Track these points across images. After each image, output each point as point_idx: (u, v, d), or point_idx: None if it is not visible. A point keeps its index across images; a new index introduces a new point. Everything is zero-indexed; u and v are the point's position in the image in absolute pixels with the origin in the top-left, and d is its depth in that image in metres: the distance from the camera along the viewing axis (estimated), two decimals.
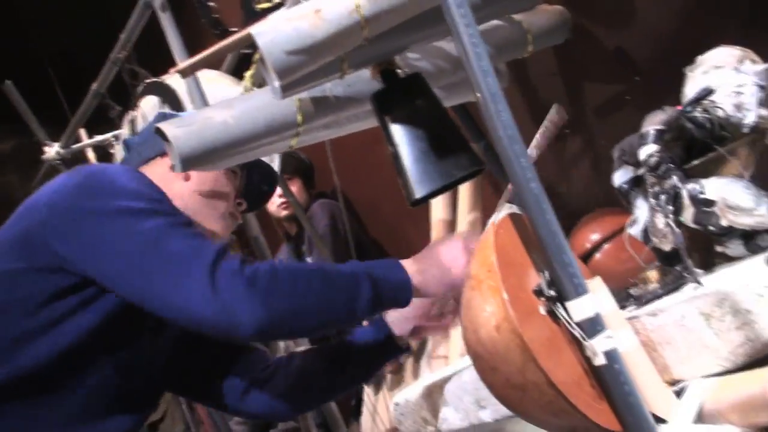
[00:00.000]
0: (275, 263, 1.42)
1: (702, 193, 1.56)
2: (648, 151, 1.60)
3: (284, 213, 3.78)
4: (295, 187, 3.75)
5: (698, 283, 1.41)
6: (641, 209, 1.67)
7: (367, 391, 2.82)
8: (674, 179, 1.57)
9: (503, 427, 1.69)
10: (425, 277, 1.51)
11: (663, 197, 1.57)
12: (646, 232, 1.65)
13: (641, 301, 1.51)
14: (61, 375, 1.46)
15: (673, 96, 1.76)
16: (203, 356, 1.75)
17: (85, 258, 1.42)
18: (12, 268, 1.46)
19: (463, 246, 1.55)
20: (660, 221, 1.57)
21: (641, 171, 1.64)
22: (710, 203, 1.55)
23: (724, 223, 1.55)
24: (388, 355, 1.78)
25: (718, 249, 1.65)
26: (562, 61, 2.48)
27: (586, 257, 2.11)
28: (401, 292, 1.48)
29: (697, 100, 1.67)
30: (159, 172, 1.65)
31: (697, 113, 1.66)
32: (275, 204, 3.70)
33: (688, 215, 1.59)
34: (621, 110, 2.34)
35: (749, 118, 1.65)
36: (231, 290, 1.35)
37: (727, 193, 1.53)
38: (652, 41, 2.23)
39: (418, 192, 1.41)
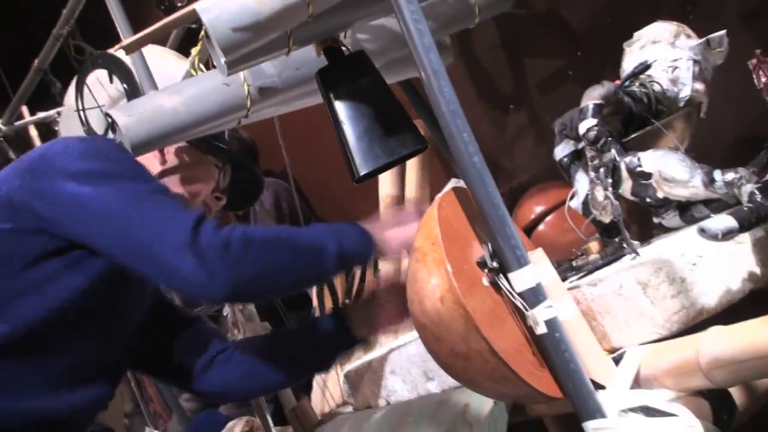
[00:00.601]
0: (247, 228, 1.45)
1: (639, 166, 1.59)
2: (587, 125, 1.62)
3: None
4: None
5: (635, 253, 1.45)
6: (581, 182, 1.70)
7: None
8: (613, 152, 1.60)
9: (450, 397, 1.72)
10: (384, 234, 1.56)
11: (602, 170, 1.61)
12: (586, 205, 1.69)
13: (582, 271, 1.54)
14: (45, 338, 1.48)
15: (614, 70, 1.80)
16: (166, 332, 1.78)
17: (68, 219, 1.45)
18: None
19: (416, 210, 1.61)
20: (599, 194, 1.61)
21: (581, 145, 1.68)
22: (647, 176, 1.59)
23: (660, 195, 1.59)
24: (344, 347, 1.81)
25: (656, 220, 1.69)
26: (504, 36, 2.50)
27: (531, 228, 2.15)
28: (365, 248, 1.53)
29: (635, 74, 1.71)
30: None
31: (635, 88, 1.70)
32: None
33: (626, 187, 1.63)
34: (564, 84, 2.38)
35: (684, 92, 1.70)
36: (209, 250, 1.38)
37: (663, 165, 1.57)
38: (593, 16, 2.26)
39: (362, 169, 1.43)
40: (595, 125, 1.61)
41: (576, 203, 1.72)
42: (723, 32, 1.74)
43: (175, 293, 1.45)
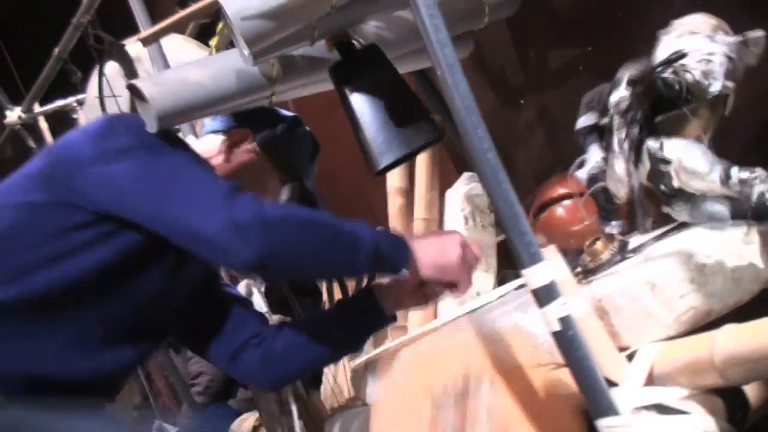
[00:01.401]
0: (289, 204, 1.44)
1: (661, 150, 1.58)
2: (619, 95, 1.61)
3: None
4: None
5: (647, 230, 1.43)
6: (593, 153, 1.69)
7: None
8: (638, 128, 1.59)
9: None
10: (422, 253, 1.54)
11: (627, 143, 1.59)
12: (592, 178, 1.67)
13: (590, 271, 1.54)
14: (71, 303, 1.49)
15: (623, 65, 1.79)
16: (207, 307, 1.77)
17: (102, 195, 1.46)
18: (31, 200, 1.49)
19: (460, 238, 1.59)
20: (619, 166, 1.59)
21: (605, 120, 1.66)
22: (667, 162, 1.57)
23: (675, 184, 1.58)
24: (375, 325, 1.80)
25: (665, 209, 1.68)
26: (516, 32, 2.49)
27: (550, 205, 2.13)
28: (400, 257, 1.51)
29: (669, 61, 1.70)
30: (212, 144, 1.68)
31: (668, 74, 1.69)
32: None
33: (643, 171, 1.61)
34: (574, 79, 2.37)
35: (714, 87, 1.68)
36: (244, 215, 1.38)
37: (685, 154, 1.56)
38: (603, 11, 2.25)
39: (382, 161, 1.43)
40: (627, 97, 1.60)
41: (581, 172, 1.71)
42: (762, 33, 1.72)
43: (207, 260, 1.44)
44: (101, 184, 1.46)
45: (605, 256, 1.59)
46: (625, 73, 1.63)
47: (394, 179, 2.74)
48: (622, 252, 1.55)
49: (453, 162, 2.75)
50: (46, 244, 1.48)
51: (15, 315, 1.47)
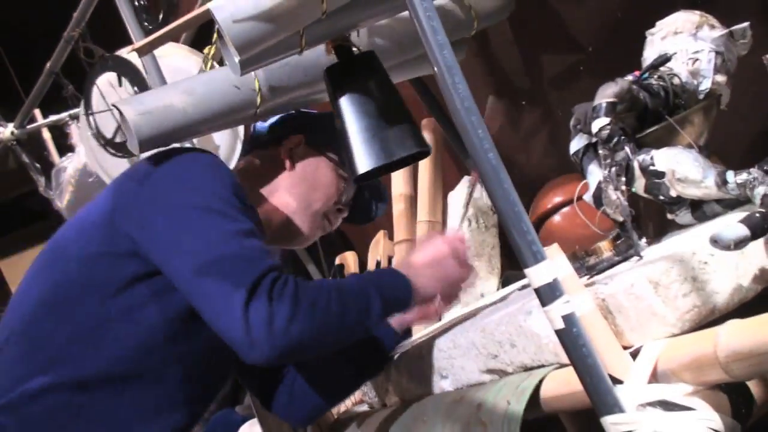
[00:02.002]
0: (297, 288, 1.43)
1: (652, 164, 1.58)
2: (599, 124, 1.61)
3: None
4: None
5: (639, 256, 1.44)
6: (594, 175, 1.69)
7: None
8: (625, 151, 1.59)
9: (464, 396, 1.72)
10: (421, 278, 1.57)
11: (614, 169, 1.60)
12: (597, 198, 1.68)
13: (594, 270, 1.54)
14: (142, 367, 1.49)
15: (626, 65, 1.79)
16: None
17: (153, 247, 1.45)
18: (94, 252, 1.49)
19: (444, 240, 1.61)
20: (612, 193, 1.60)
21: (595, 139, 1.67)
22: (660, 174, 1.57)
23: (673, 193, 1.58)
24: (391, 345, 1.83)
25: (669, 217, 1.69)
26: (517, 32, 2.50)
27: (547, 218, 2.14)
28: (405, 298, 1.55)
29: (654, 66, 1.70)
30: (268, 157, 1.71)
31: (653, 81, 1.69)
32: None
33: (639, 186, 1.62)
34: (576, 80, 2.38)
35: (704, 85, 1.68)
36: (259, 317, 1.37)
37: (676, 165, 1.56)
38: (604, 11, 2.26)
39: (361, 168, 1.45)
40: (608, 124, 1.60)
41: (587, 196, 1.71)
42: (746, 24, 1.72)
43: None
44: (152, 238, 1.46)
45: (606, 255, 1.59)
46: (603, 98, 1.63)
47: (399, 185, 2.76)
48: (627, 252, 1.56)
49: (454, 165, 2.75)
50: (113, 299, 1.47)
51: (93, 386, 1.47)
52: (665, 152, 1.59)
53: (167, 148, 1.57)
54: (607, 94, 1.65)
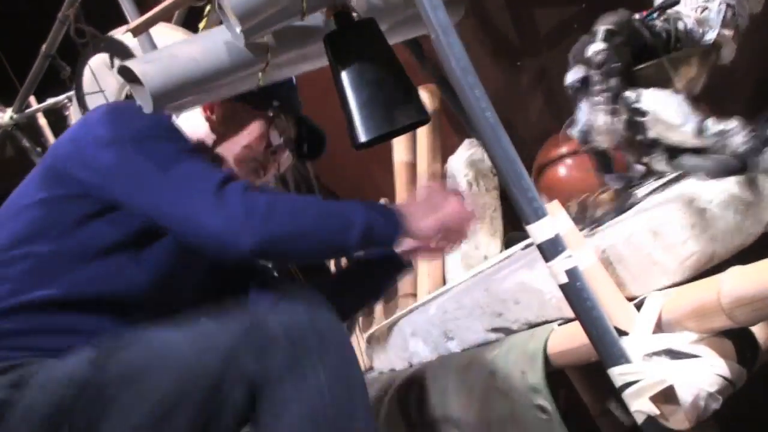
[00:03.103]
0: (276, 191, 1.47)
1: (638, 102, 1.57)
2: (594, 48, 1.60)
3: None
4: None
5: (638, 181, 1.43)
6: (583, 110, 1.67)
7: None
8: (617, 80, 1.58)
9: (472, 360, 1.74)
10: (414, 214, 1.56)
11: (605, 95, 1.58)
12: (584, 134, 1.66)
13: (594, 222, 1.55)
14: (108, 291, 1.53)
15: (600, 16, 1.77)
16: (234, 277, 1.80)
17: (104, 183, 1.50)
18: (44, 197, 1.54)
19: (443, 187, 1.62)
20: (600, 119, 1.59)
21: (590, 71, 1.65)
22: (642, 113, 1.56)
23: (651, 135, 1.57)
24: (395, 271, 1.83)
25: (644, 160, 1.68)
26: None
27: (547, 167, 2.13)
28: (393, 228, 1.53)
29: (662, 8, 1.68)
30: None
31: (658, 22, 1.67)
32: None
33: (621, 119, 1.61)
34: (569, 37, 2.35)
35: (710, 35, 1.66)
36: (236, 208, 1.41)
37: (661, 106, 1.54)
38: None
39: (362, 136, 1.44)
40: (603, 49, 1.59)
41: (574, 130, 1.70)
42: None
43: (200, 249, 1.47)
44: (104, 178, 1.50)
45: (606, 207, 1.60)
46: (602, 25, 1.62)
47: (400, 153, 2.76)
48: (628, 202, 1.56)
49: (453, 130, 2.75)
50: (68, 236, 1.52)
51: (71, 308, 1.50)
52: (652, 93, 1.58)
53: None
54: (606, 21, 1.64)
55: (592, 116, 1.60)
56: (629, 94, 1.57)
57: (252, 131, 1.72)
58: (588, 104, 1.63)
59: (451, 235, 1.60)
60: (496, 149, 1.22)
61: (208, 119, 1.69)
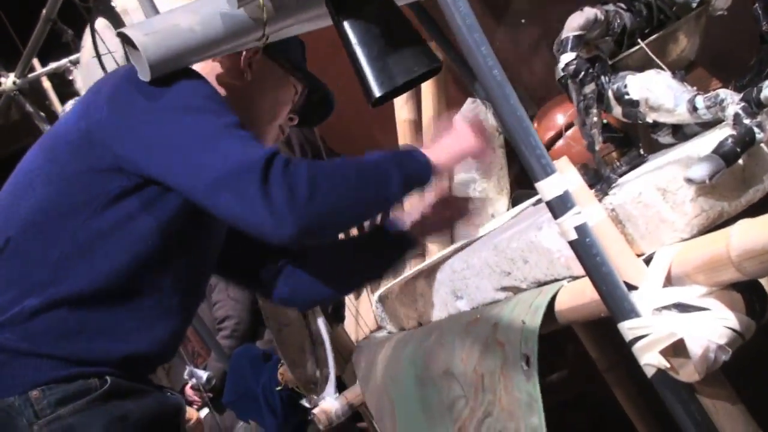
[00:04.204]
0: (313, 164, 1.44)
1: (627, 94, 1.56)
2: (566, 59, 1.59)
3: None
4: None
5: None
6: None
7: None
8: (592, 86, 1.56)
9: (479, 317, 1.75)
10: (441, 151, 1.58)
11: (582, 104, 1.58)
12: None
13: (602, 181, 1.55)
14: (136, 279, 1.49)
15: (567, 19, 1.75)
16: (238, 241, 1.75)
17: (142, 156, 1.43)
18: (73, 171, 1.46)
19: (462, 120, 1.64)
20: (582, 127, 1.59)
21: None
22: (635, 103, 1.56)
23: (649, 120, 1.57)
24: (404, 247, 1.84)
25: (653, 137, 1.69)
26: None
27: (551, 143, 2.14)
28: (425, 171, 1.54)
29: None
30: (227, 63, 1.65)
31: (636, 2, 1.65)
32: None
33: (618, 113, 1.60)
34: None
35: None
36: (280, 195, 1.37)
37: (649, 93, 1.53)
38: None
39: (378, 91, 1.43)
40: (574, 59, 1.58)
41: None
42: None
43: (243, 231, 1.45)
44: (142, 150, 1.43)
45: (614, 165, 1.60)
46: (569, 32, 1.60)
47: (403, 111, 2.75)
48: (636, 160, 1.56)
49: (459, 90, 2.74)
50: (102, 214, 1.46)
51: (91, 303, 1.46)
52: (638, 79, 1.56)
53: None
54: (572, 26, 1.61)
55: (578, 122, 1.61)
56: (617, 86, 1.56)
57: (286, 93, 1.71)
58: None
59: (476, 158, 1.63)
60: (504, 107, 1.21)
61: (241, 72, 1.65)
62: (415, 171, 1.52)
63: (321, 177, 1.42)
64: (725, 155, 1.31)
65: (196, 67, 1.54)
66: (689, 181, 1.31)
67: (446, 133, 1.63)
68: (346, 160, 1.56)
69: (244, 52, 1.65)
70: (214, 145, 1.41)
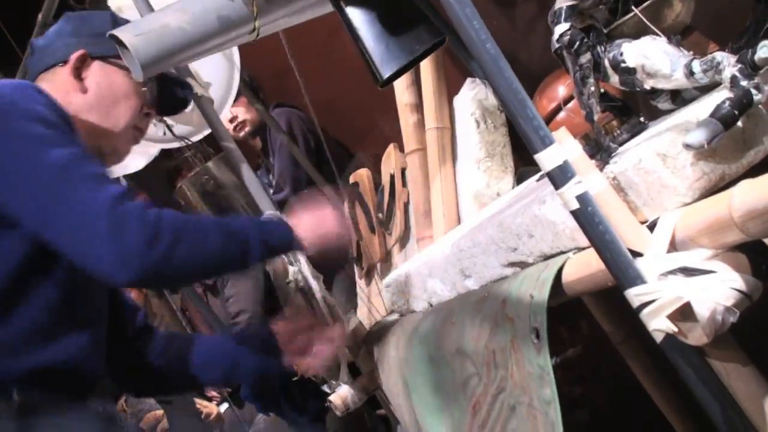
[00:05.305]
0: (172, 215, 1.43)
1: (623, 62, 1.55)
2: (560, 30, 1.58)
3: (242, 134, 3.89)
4: (242, 107, 3.83)
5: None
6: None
7: (359, 283, 2.88)
8: (588, 55, 1.56)
9: (487, 295, 1.75)
10: (302, 225, 1.64)
11: (578, 75, 1.58)
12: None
13: (603, 149, 1.54)
14: (18, 292, 1.48)
15: None
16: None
17: None
18: None
19: (330, 205, 1.68)
20: (579, 98, 1.58)
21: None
22: (632, 71, 1.55)
23: (647, 86, 1.56)
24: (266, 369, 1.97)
25: (652, 103, 1.68)
26: None
27: (555, 113, 2.13)
28: (287, 243, 1.62)
29: None
30: (58, 82, 1.62)
31: None
32: (230, 129, 3.78)
33: (615, 81, 1.60)
34: None
35: None
36: (133, 236, 1.36)
37: (645, 59, 1.52)
38: None
39: (385, 71, 1.42)
40: (568, 29, 1.57)
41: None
42: None
43: (88, 272, 1.44)
44: None
45: (614, 133, 1.59)
46: (562, 2, 1.59)
47: (402, 94, 2.75)
48: (636, 128, 1.55)
49: (458, 70, 2.74)
50: None
51: None
52: (634, 47, 1.55)
53: None
54: None
55: (575, 93, 1.60)
56: (612, 54, 1.56)
57: (128, 92, 1.67)
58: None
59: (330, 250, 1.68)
60: (498, 81, 1.21)
61: (83, 91, 1.62)
62: (278, 240, 1.58)
63: (187, 231, 1.43)
64: (723, 118, 1.31)
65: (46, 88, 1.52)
66: (687, 146, 1.31)
67: (310, 213, 1.69)
68: (212, 219, 1.60)
69: (69, 61, 1.61)
70: (62, 182, 1.38)
